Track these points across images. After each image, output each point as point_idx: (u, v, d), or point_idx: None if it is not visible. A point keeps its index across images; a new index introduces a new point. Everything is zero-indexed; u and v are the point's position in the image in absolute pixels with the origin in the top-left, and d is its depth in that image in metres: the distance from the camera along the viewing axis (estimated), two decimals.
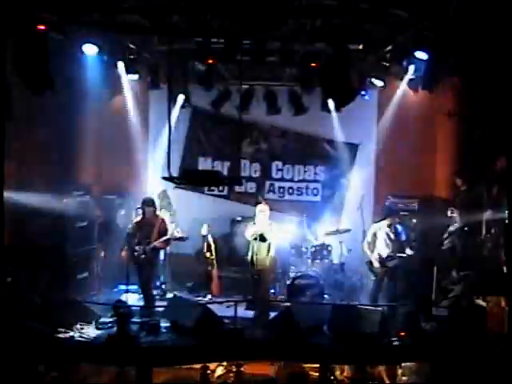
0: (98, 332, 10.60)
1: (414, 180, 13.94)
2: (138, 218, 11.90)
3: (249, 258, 12.01)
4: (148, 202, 11.77)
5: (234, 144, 14.14)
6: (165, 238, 11.68)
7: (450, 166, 13.52)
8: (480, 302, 10.99)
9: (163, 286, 13.18)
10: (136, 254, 11.55)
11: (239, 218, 14.08)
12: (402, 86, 13.25)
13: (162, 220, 11.86)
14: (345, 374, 10.85)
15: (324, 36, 11.07)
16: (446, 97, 13.24)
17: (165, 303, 11.85)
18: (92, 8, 10.36)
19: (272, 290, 12.81)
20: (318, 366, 10.45)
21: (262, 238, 11.85)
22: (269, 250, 11.93)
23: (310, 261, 13.14)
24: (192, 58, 12.44)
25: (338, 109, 13.46)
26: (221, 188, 14.88)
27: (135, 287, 12.56)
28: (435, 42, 10.77)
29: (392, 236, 11.86)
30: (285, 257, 13.16)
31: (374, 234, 12.03)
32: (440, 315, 11.27)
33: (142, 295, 12.10)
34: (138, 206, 11.91)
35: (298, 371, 10.25)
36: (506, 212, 11.31)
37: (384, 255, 11.84)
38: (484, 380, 9.40)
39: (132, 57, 12.41)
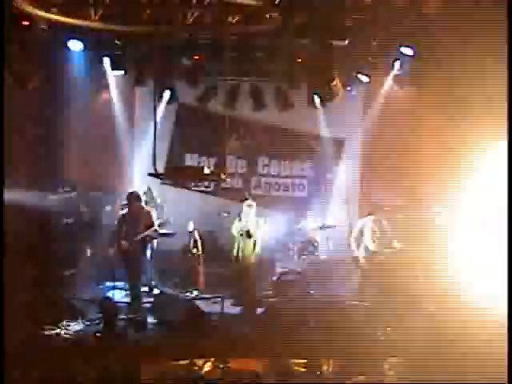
0: (85, 329, 10.58)
1: (400, 175, 13.97)
2: (124, 212, 11.91)
3: (235, 254, 12.04)
4: (134, 196, 11.77)
5: (220, 140, 14.15)
6: (152, 229, 11.70)
7: (436, 160, 13.57)
8: None
9: (153, 282, 13.15)
10: (123, 247, 11.55)
11: (225, 214, 14.06)
12: (388, 82, 13.29)
13: (148, 212, 11.85)
14: (331, 369, 10.87)
15: (309, 32, 11.10)
16: (431, 92, 13.31)
17: (151, 299, 11.87)
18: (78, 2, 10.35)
19: (258, 286, 12.80)
20: (304, 361, 10.49)
21: (248, 234, 11.89)
22: (255, 246, 11.99)
23: (296, 257, 13.17)
24: (178, 54, 12.42)
25: (323, 104, 13.50)
26: (207, 184, 14.85)
27: (122, 284, 12.57)
28: (420, 38, 10.84)
29: (378, 231, 11.93)
30: (271, 253, 13.20)
31: (361, 230, 12.09)
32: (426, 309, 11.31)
33: (128, 291, 12.13)
34: (124, 202, 11.91)
35: (284, 367, 10.26)
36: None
37: (370, 250, 11.90)
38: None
39: (118, 53, 12.39)
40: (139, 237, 11.49)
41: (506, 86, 9.29)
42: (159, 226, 12.09)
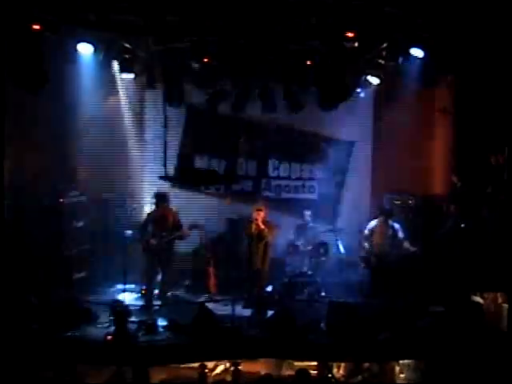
0: (96, 332, 10.59)
1: (411, 177, 13.92)
2: (151, 211, 12.16)
3: (246, 256, 12.03)
4: (161, 196, 12.00)
5: (230, 142, 14.14)
6: (183, 229, 12.08)
7: (446, 162, 13.53)
8: (477, 298, 11.02)
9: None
10: (151, 245, 11.74)
11: (236, 217, 14.04)
12: (398, 84, 13.23)
13: (175, 212, 12.07)
14: (341, 371, 10.86)
15: (319, 34, 11.09)
16: (441, 94, 13.28)
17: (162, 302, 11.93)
18: (87, 7, 10.37)
19: (269, 289, 12.79)
20: (315, 363, 10.47)
21: (259, 237, 11.86)
22: (265, 249, 11.96)
23: (306, 259, 13.15)
24: (187, 57, 12.41)
25: (334, 106, 13.44)
26: (217, 186, 14.81)
27: (132, 286, 12.60)
28: (430, 39, 10.80)
29: (389, 233, 11.93)
30: (282, 255, 13.18)
31: (371, 231, 12.08)
32: (436, 311, 11.27)
33: (139, 293, 12.29)
34: (134, 205, 12.00)
35: (301, 369, 10.23)
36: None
37: (381, 252, 11.89)
38: (480, 376, 9.41)
39: (127, 56, 12.39)
40: (171, 237, 11.95)
41: None
42: (190, 228, 12.23)
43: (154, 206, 12.29)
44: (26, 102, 11.68)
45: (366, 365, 10.67)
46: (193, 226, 12.40)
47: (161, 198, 12.06)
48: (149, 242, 11.89)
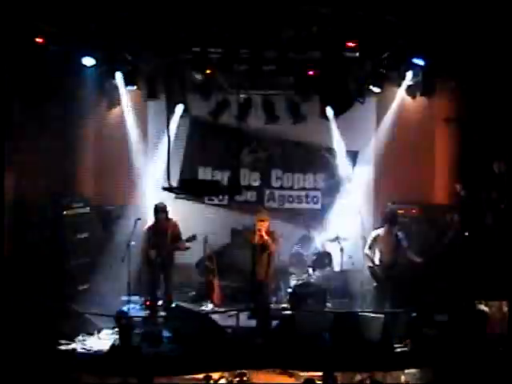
0: (100, 343, 10.58)
1: (414, 186, 13.93)
2: (151, 223, 12.10)
3: (250, 267, 12.01)
4: (160, 208, 11.97)
5: (233, 153, 14.14)
6: (182, 242, 12.02)
7: (449, 171, 13.53)
8: (482, 307, 10.99)
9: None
10: (151, 258, 11.72)
11: (240, 228, 14.04)
12: (400, 92, 13.27)
13: (175, 224, 12.04)
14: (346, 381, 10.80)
15: (320, 44, 11.12)
16: (443, 102, 13.28)
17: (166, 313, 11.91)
18: (89, 20, 10.42)
19: (273, 299, 12.78)
20: (320, 374, 10.42)
21: (263, 247, 11.85)
22: (269, 259, 11.94)
23: (310, 269, 13.14)
24: (190, 68, 12.46)
25: (336, 116, 13.48)
26: (221, 197, 14.81)
27: (136, 298, 12.58)
28: (432, 48, 10.83)
29: (393, 242, 11.88)
30: (285, 265, 13.17)
31: (375, 241, 12.04)
32: (442, 321, 11.24)
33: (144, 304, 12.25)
34: (135, 218, 12.02)
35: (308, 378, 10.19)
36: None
37: (385, 262, 11.85)
38: None
39: (130, 68, 12.44)
40: (170, 249, 11.90)
41: None
42: (187, 240, 12.18)
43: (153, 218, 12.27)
44: (29, 114, 11.71)
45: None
46: (191, 238, 12.37)
47: (159, 210, 12.02)
48: (148, 254, 11.88)
